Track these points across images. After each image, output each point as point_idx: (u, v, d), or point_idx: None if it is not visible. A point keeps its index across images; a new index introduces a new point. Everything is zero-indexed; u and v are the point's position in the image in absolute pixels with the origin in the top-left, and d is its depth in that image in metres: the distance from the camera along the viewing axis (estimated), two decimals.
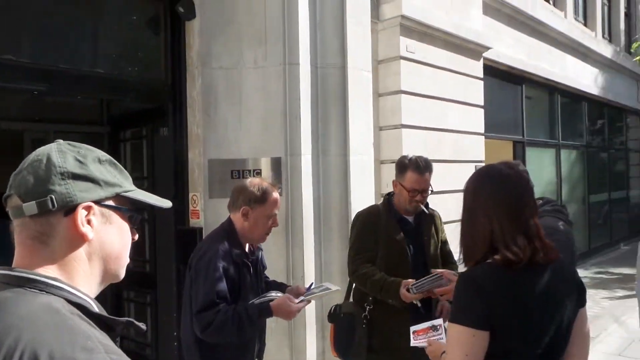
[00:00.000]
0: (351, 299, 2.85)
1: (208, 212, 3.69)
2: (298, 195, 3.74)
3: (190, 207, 3.81)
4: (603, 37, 11.24)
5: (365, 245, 2.70)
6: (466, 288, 1.45)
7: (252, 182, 2.30)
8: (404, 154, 5.00)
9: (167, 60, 3.82)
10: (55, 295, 0.81)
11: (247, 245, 2.35)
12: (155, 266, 4.02)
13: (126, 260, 0.95)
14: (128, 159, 4.34)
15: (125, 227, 0.93)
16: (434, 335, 1.92)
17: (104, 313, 0.86)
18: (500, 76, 7.41)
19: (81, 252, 0.86)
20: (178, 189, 3.84)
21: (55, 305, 0.79)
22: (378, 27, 5.02)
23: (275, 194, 2.28)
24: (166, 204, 1.00)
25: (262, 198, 2.24)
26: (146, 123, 4.04)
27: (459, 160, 5.75)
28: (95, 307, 0.86)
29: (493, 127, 7.02)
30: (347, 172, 3.94)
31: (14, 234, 0.86)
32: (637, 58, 9.23)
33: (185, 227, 3.80)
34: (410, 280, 2.46)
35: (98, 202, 0.87)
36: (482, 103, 6.27)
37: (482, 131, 6.33)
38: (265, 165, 3.71)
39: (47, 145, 0.89)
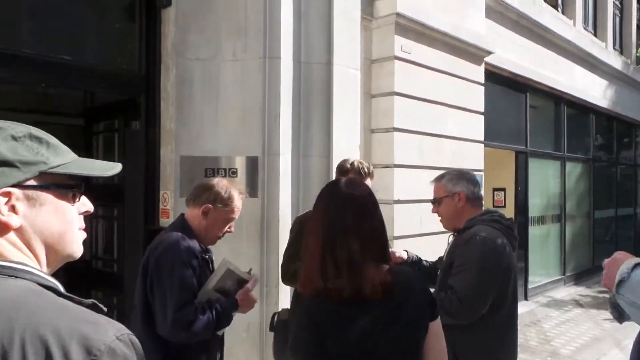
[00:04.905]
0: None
1: (178, 211, 3.45)
2: (275, 197, 3.51)
3: (161, 206, 3.60)
4: (614, 48, 10.95)
5: (298, 250, 2.56)
6: None
7: (220, 182, 2.26)
8: (396, 158, 4.88)
9: (141, 49, 3.61)
10: (27, 279, 0.77)
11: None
12: (123, 267, 3.80)
13: (75, 235, 0.87)
14: (100, 152, 4.15)
15: (62, 204, 0.84)
16: None
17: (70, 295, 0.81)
18: (503, 83, 7.15)
19: (15, 240, 0.79)
20: (149, 187, 3.63)
21: (34, 288, 0.76)
22: (372, 25, 4.80)
23: (240, 202, 2.26)
24: (109, 171, 0.92)
25: (227, 201, 2.20)
26: (118, 116, 3.85)
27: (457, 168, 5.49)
28: (62, 289, 0.81)
29: (495, 135, 6.76)
30: (330, 175, 3.69)
31: None
32: None
33: (154, 227, 3.58)
34: None
35: (18, 185, 0.78)
36: (482, 109, 6.02)
37: (482, 139, 6.07)
38: (240, 165, 3.49)
39: None
